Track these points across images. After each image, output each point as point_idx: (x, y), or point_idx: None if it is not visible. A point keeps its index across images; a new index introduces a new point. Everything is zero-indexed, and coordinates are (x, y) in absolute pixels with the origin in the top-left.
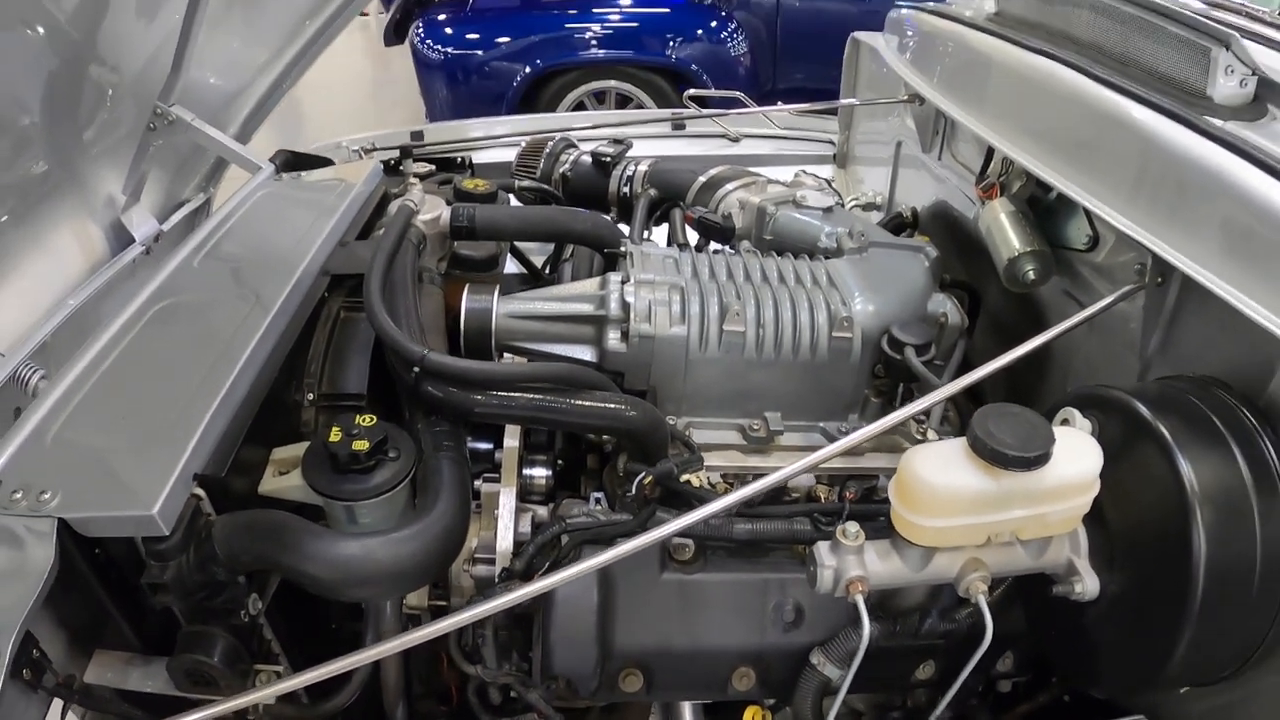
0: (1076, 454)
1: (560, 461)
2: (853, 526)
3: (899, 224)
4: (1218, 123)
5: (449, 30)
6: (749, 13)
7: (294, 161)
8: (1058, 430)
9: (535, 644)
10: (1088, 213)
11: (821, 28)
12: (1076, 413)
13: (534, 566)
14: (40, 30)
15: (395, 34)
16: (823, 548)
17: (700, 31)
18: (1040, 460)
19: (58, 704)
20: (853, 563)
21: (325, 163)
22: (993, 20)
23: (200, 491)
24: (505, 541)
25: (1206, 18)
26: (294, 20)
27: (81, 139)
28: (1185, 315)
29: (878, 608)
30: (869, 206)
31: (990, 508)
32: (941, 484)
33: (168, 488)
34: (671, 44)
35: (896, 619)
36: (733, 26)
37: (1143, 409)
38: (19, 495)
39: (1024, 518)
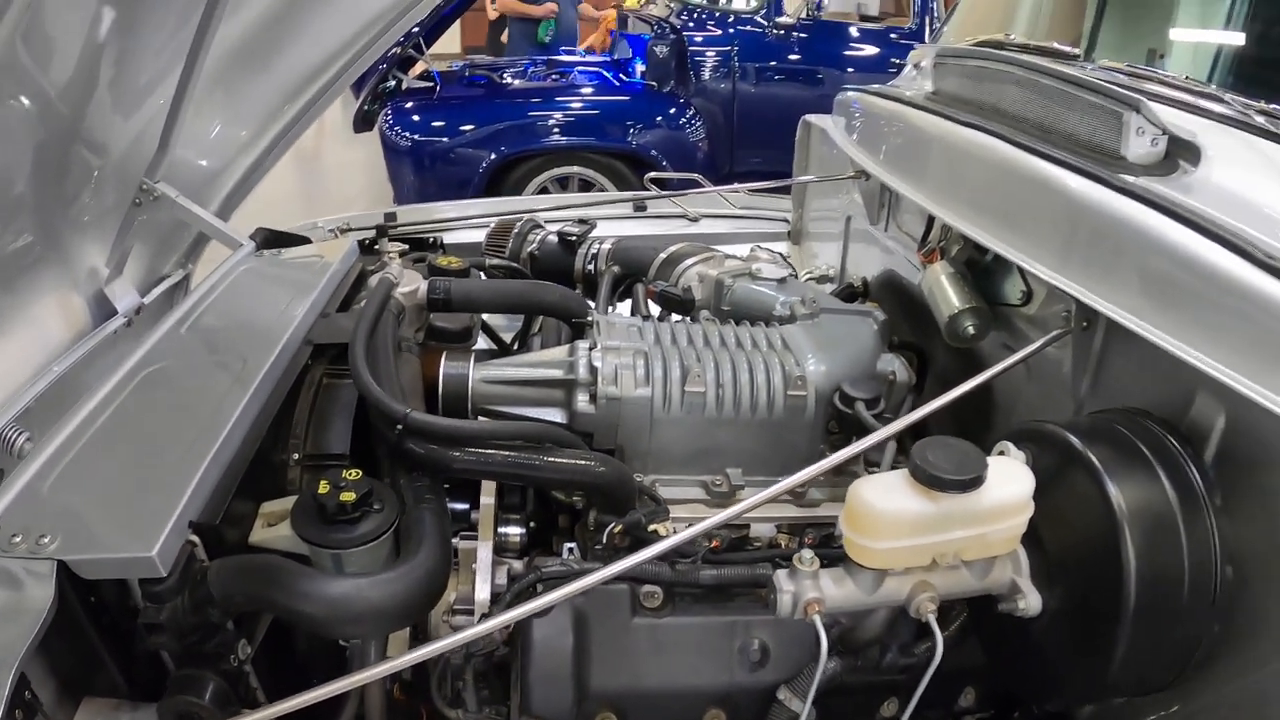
0: (1010, 478)
1: (532, 523)
2: (808, 554)
3: (850, 293)
4: (1131, 179)
5: (416, 118)
6: (706, 99)
7: (273, 239)
8: (993, 459)
9: (514, 686)
10: (1020, 269)
11: (776, 113)
12: (1011, 445)
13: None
14: (32, 105)
15: (364, 121)
16: (781, 575)
17: (659, 118)
18: (974, 483)
19: None
20: (809, 586)
21: (303, 241)
22: (930, 99)
23: (195, 538)
24: (483, 593)
25: (1117, 85)
26: (274, 105)
27: (68, 212)
28: (1112, 356)
29: (839, 642)
30: (823, 279)
31: (931, 529)
32: (886, 508)
33: (165, 532)
34: (632, 130)
35: (858, 653)
36: (690, 113)
37: (1073, 439)
38: (18, 539)
39: (965, 538)
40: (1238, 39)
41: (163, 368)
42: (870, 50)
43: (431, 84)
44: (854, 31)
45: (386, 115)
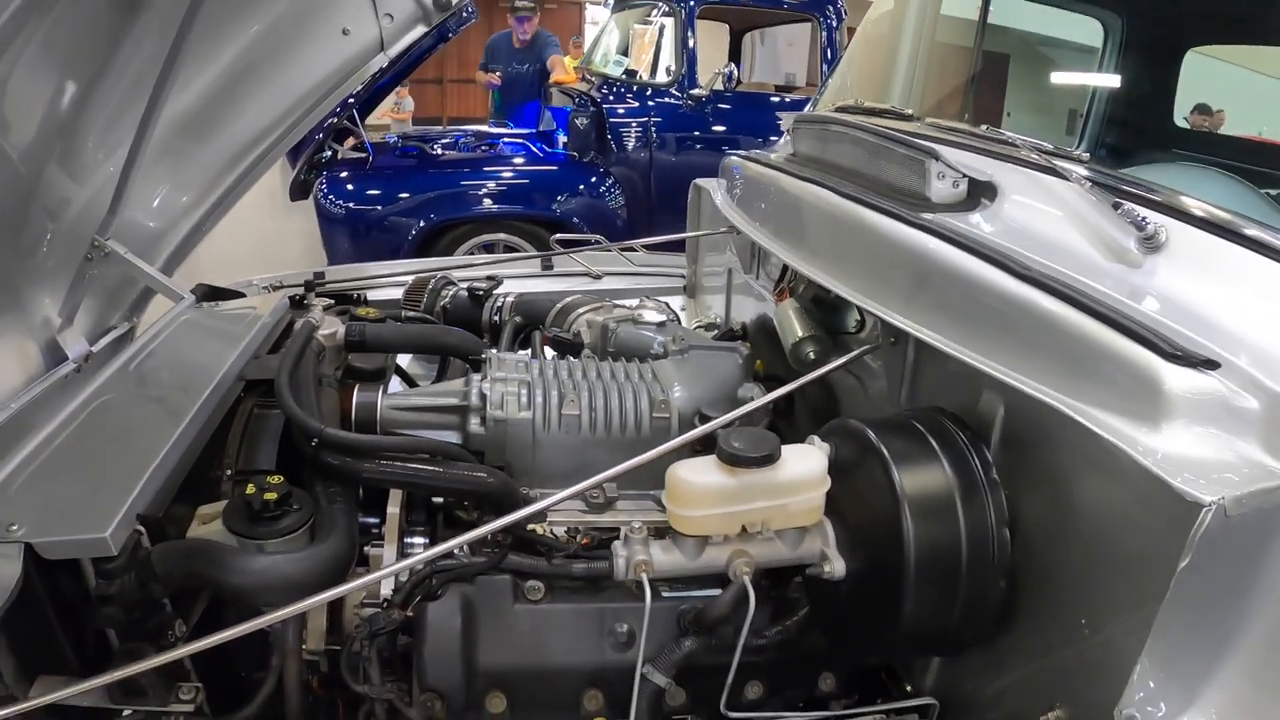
0: (804, 457)
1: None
2: (637, 524)
3: (732, 336)
4: (929, 216)
5: (350, 186)
6: (626, 168)
7: (212, 293)
8: (793, 446)
9: (414, 665)
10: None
11: (690, 180)
12: (816, 438)
13: (409, 599)
14: None
15: (300, 190)
16: (617, 544)
17: (581, 187)
18: (767, 460)
19: None
20: (639, 550)
21: (239, 295)
22: (789, 160)
23: (141, 528)
24: (387, 588)
25: (930, 136)
26: (215, 172)
27: (24, 266)
28: (923, 366)
29: (694, 623)
30: (710, 326)
31: (735, 499)
32: (696, 481)
33: (116, 520)
34: (556, 199)
35: (712, 632)
36: (610, 182)
37: (869, 432)
38: None
39: (767, 508)
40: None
41: (112, 398)
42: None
43: (365, 155)
44: (772, 99)
45: (321, 184)
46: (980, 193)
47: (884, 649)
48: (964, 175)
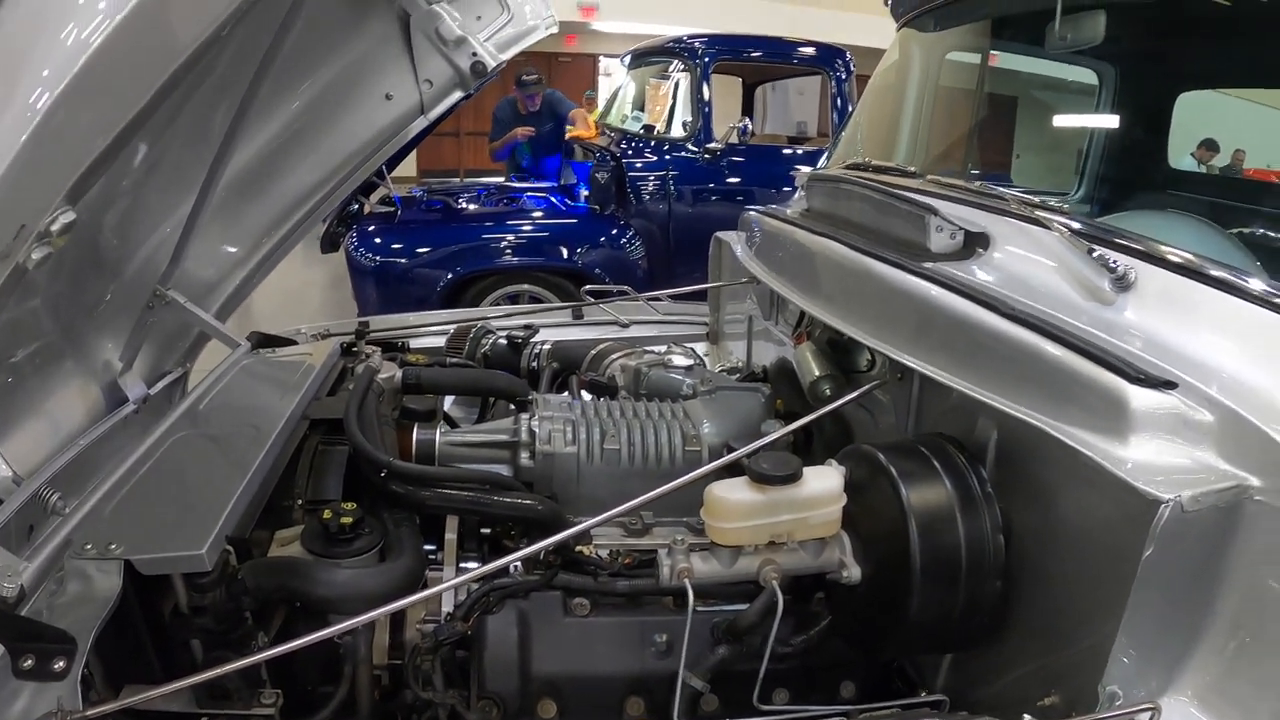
0: (823, 476)
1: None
2: (680, 536)
3: (753, 378)
4: (930, 265)
5: (379, 240)
6: (645, 220)
7: (265, 340)
8: (814, 467)
9: (472, 672)
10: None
11: (709, 230)
12: (834, 461)
13: (470, 613)
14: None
15: (330, 243)
16: (661, 553)
17: (602, 239)
18: (791, 478)
19: None
20: (680, 559)
21: (291, 342)
22: (803, 215)
23: (229, 548)
24: (448, 606)
25: (932, 193)
26: (266, 227)
27: (89, 315)
28: (926, 399)
29: (726, 632)
30: (732, 370)
31: (764, 513)
32: (730, 498)
33: (210, 540)
34: (579, 251)
35: (742, 640)
36: (630, 233)
37: (879, 455)
38: (90, 546)
39: (791, 520)
40: None
41: (187, 434)
42: (803, 168)
43: (392, 208)
44: (785, 152)
45: (352, 238)
46: (976, 243)
47: (896, 645)
48: (960, 228)
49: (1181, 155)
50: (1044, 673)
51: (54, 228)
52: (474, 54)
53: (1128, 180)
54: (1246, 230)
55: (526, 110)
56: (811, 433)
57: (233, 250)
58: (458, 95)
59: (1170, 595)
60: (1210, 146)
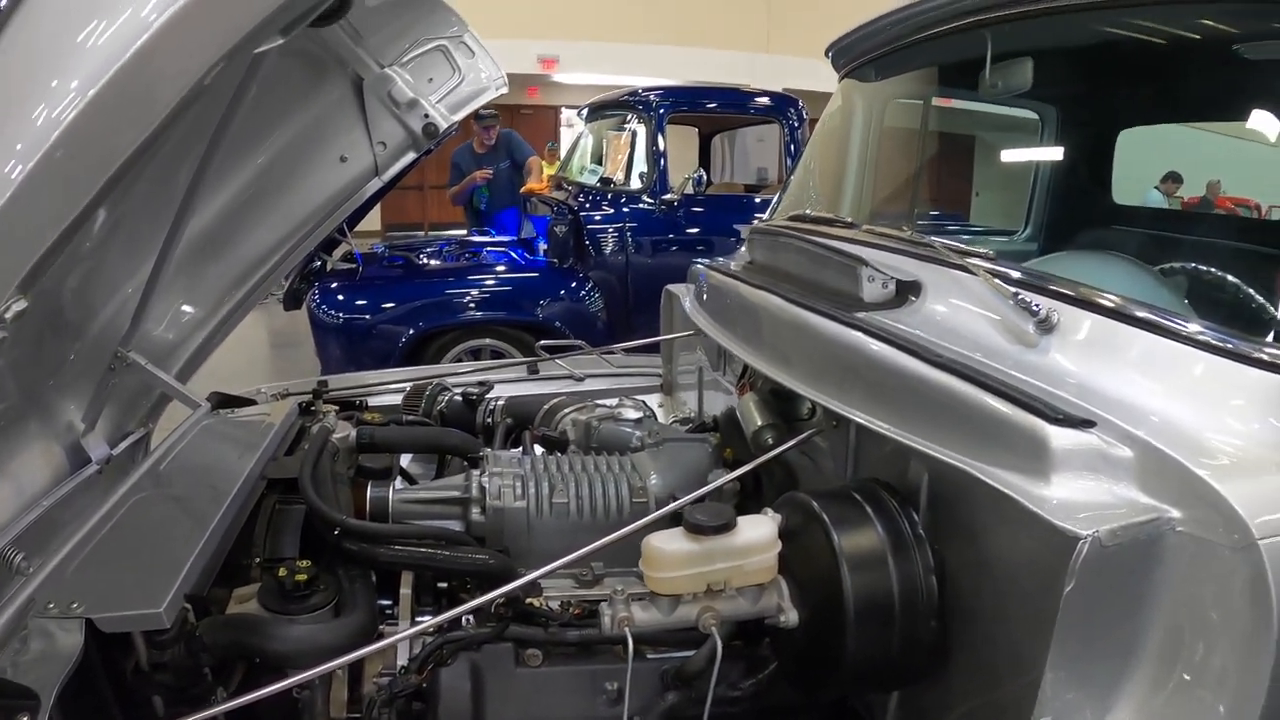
0: (756, 525)
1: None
2: (619, 586)
3: (703, 428)
4: (862, 315)
5: (341, 297)
6: (604, 271)
7: (225, 400)
8: (748, 516)
9: None
10: None
11: (668, 280)
12: (769, 509)
13: (424, 666)
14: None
15: (293, 300)
16: (603, 605)
17: (562, 292)
18: (725, 528)
19: None
20: (620, 608)
21: (250, 402)
22: (745, 268)
23: (188, 605)
24: (402, 659)
25: (863, 241)
26: (226, 288)
27: (51, 378)
28: (862, 445)
29: (675, 677)
30: (685, 420)
31: (700, 562)
32: (666, 548)
33: (168, 597)
34: (539, 305)
35: (690, 685)
36: (589, 286)
37: (812, 502)
38: (52, 605)
39: (727, 568)
40: None
41: (148, 495)
42: (762, 216)
43: (354, 265)
44: (745, 200)
45: (314, 295)
46: (908, 291)
47: (836, 685)
48: (892, 277)
49: (1146, 189)
50: (988, 708)
51: (7, 315)
52: (426, 115)
53: (1072, 218)
54: (1183, 265)
55: (483, 145)
56: (760, 482)
57: (193, 311)
58: (411, 156)
59: (1097, 628)
60: (1174, 179)
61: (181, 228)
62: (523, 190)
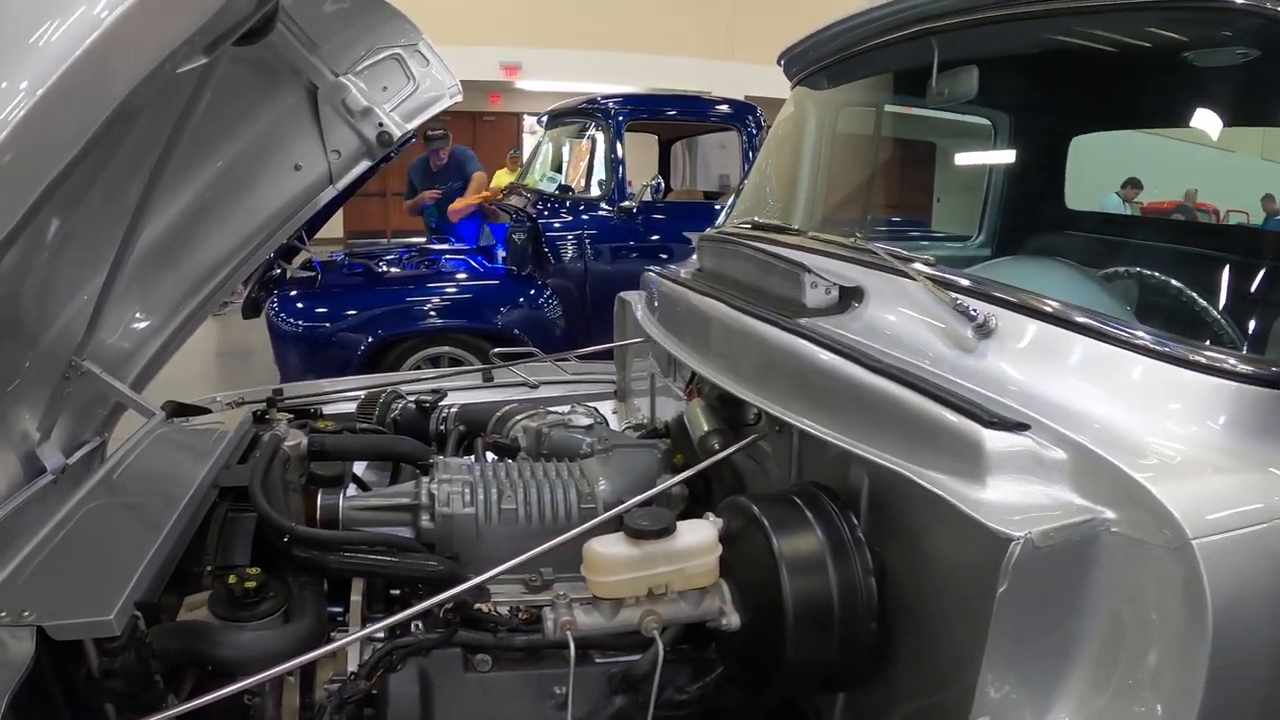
0: (696, 529)
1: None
2: (562, 589)
3: (655, 434)
4: (805, 321)
5: (300, 305)
6: (563, 279)
7: (180, 409)
8: (689, 521)
9: None
10: None
11: (627, 287)
12: (711, 514)
13: (373, 672)
14: None
15: (251, 309)
16: (546, 609)
17: (521, 299)
18: (664, 532)
19: None
20: (563, 612)
21: (205, 411)
22: (694, 275)
23: (138, 613)
24: (353, 665)
25: (807, 248)
26: (181, 296)
27: (9, 385)
28: (805, 449)
29: (623, 680)
30: (638, 426)
31: (640, 566)
32: (607, 553)
33: (118, 605)
34: (499, 312)
35: (638, 688)
36: (548, 293)
37: (753, 506)
38: (4, 614)
39: (668, 572)
40: None
41: (101, 504)
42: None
43: (313, 273)
44: (701, 208)
45: (273, 303)
46: (851, 297)
47: (779, 687)
48: (834, 284)
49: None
50: (932, 709)
51: None
52: (380, 124)
53: (1025, 223)
54: (1127, 270)
55: (436, 166)
56: (712, 485)
57: (148, 320)
58: (365, 164)
59: (1034, 628)
60: (1134, 185)
61: (135, 235)
62: (451, 209)
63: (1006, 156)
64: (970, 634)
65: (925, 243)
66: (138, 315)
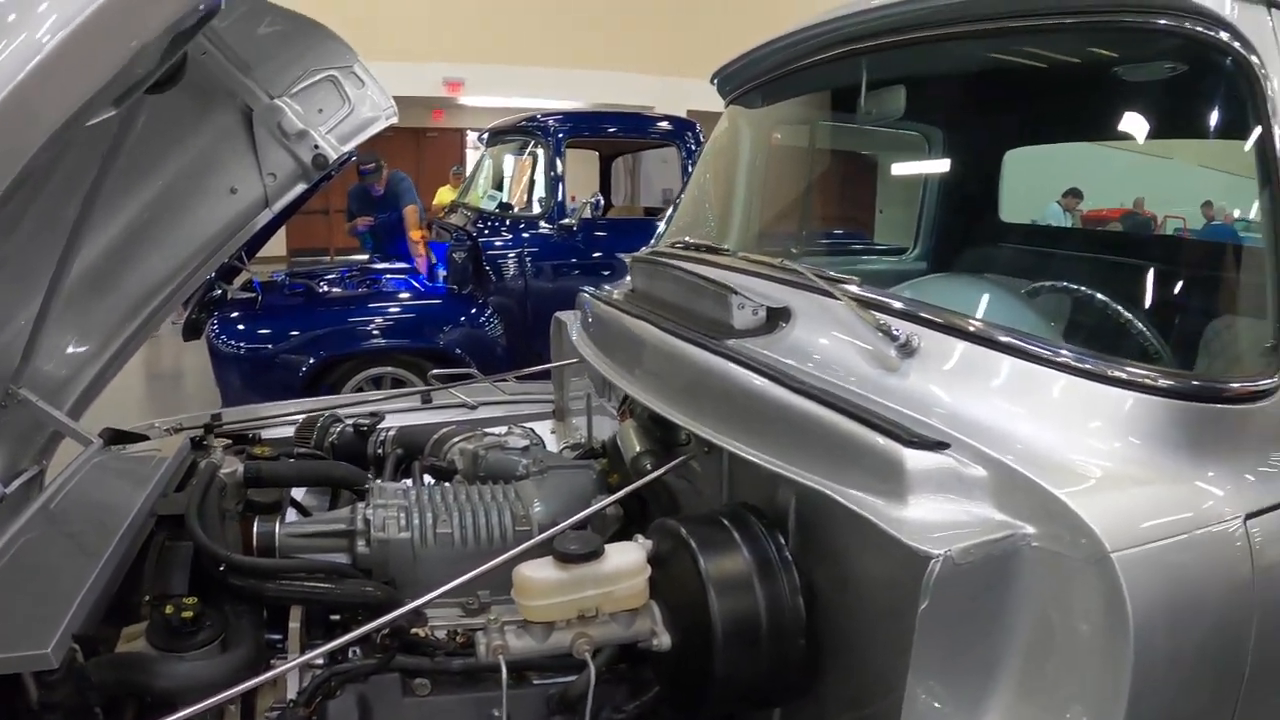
0: (624, 552)
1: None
2: (494, 614)
3: (592, 454)
4: (733, 343)
5: (241, 327)
6: (504, 297)
7: (117, 437)
8: (616, 544)
9: None
10: None
11: (567, 306)
12: (640, 536)
13: (312, 699)
14: None
15: (192, 330)
16: (479, 634)
17: (463, 318)
18: (592, 556)
19: None
20: (495, 636)
21: (143, 438)
22: (627, 296)
23: (76, 645)
24: (292, 693)
25: (734, 270)
26: (118, 321)
27: None
28: (735, 470)
29: (560, 701)
30: (575, 446)
31: (570, 589)
32: (535, 576)
33: (55, 637)
34: (441, 331)
35: (575, 708)
36: (489, 312)
37: (680, 528)
38: None
39: (598, 594)
40: None
41: (36, 536)
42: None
43: (254, 294)
44: (642, 224)
45: (213, 325)
46: (778, 317)
47: (711, 705)
48: (762, 305)
49: (1047, 203)
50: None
51: None
52: (316, 146)
53: (960, 236)
54: (1053, 284)
55: (374, 194)
56: (647, 507)
57: (85, 346)
58: (302, 187)
59: (958, 643)
60: (1074, 195)
61: (70, 261)
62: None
63: (940, 170)
64: (896, 650)
65: (865, 256)
66: (74, 341)
